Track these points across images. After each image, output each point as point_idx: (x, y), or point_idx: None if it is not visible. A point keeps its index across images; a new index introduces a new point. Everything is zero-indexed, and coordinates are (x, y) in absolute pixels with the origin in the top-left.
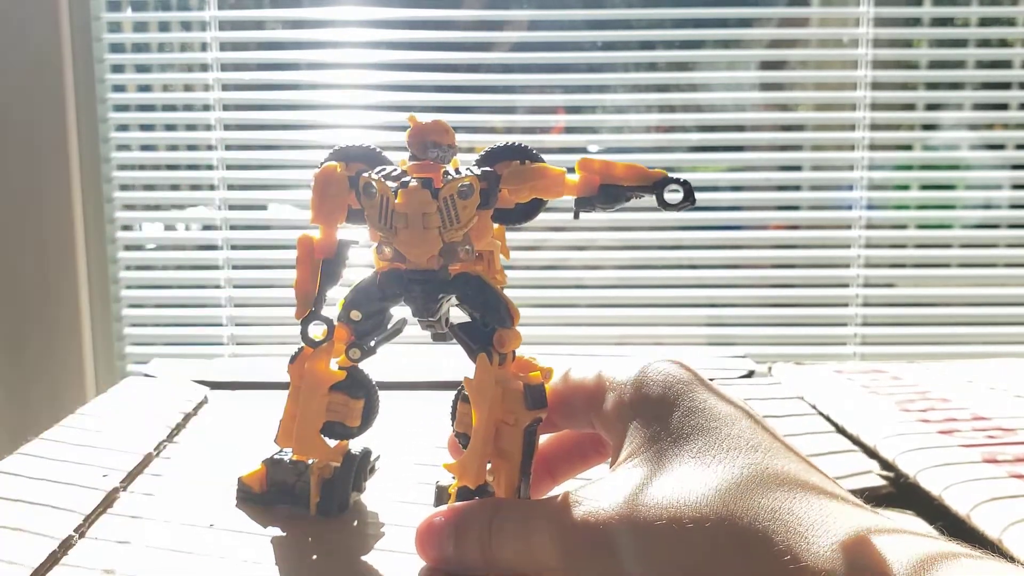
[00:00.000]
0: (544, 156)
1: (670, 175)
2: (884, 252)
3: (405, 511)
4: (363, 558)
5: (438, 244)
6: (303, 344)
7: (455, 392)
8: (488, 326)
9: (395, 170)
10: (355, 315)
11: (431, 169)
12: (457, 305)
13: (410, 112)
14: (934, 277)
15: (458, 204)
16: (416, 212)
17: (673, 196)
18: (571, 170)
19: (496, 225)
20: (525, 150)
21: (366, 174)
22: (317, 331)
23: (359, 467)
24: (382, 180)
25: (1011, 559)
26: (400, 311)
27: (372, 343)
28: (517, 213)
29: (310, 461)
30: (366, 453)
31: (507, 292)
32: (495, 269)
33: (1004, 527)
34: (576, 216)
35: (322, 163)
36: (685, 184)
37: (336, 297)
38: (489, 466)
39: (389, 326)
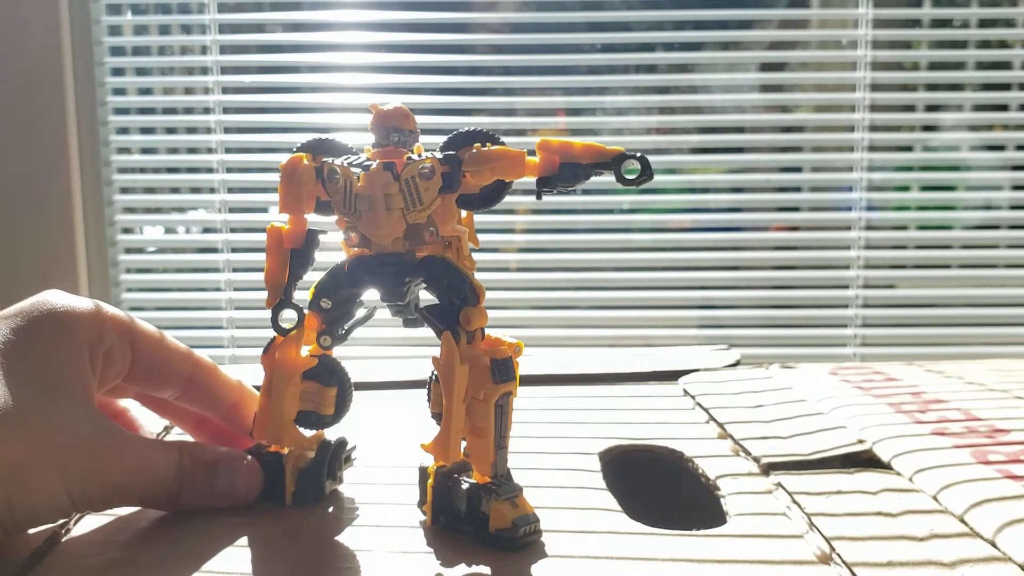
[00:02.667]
0: None
1: (627, 151)
2: (884, 253)
3: (381, 497)
4: (336, 538)
5: (402, 226)
6: (275, 334)
7: (430, 377)
8: (454, 305)
9: (359, 157)
10: (325, 303)
11: (394, 154)
12: (425, 288)
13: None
14: (934, 278)
15: (420, 186)
16: (378, 194)
17: (631, 171)
18: (532, 152)
19: (464, 213)
20: (486, 134)
21: (329, 160)
22: (288, 319)
23: (334, 456)
24: (345, 165)
25: (1005, 559)
26: (371, 298)
27: (343, 330)
28: (481, 197)
29: (285, 451)
30: (341, 442)
31: (512, 295)
32: (463, 255)
33: (998, 527)
34: (539, 197)
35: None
36: (642, 159)
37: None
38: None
39: (359, 313)
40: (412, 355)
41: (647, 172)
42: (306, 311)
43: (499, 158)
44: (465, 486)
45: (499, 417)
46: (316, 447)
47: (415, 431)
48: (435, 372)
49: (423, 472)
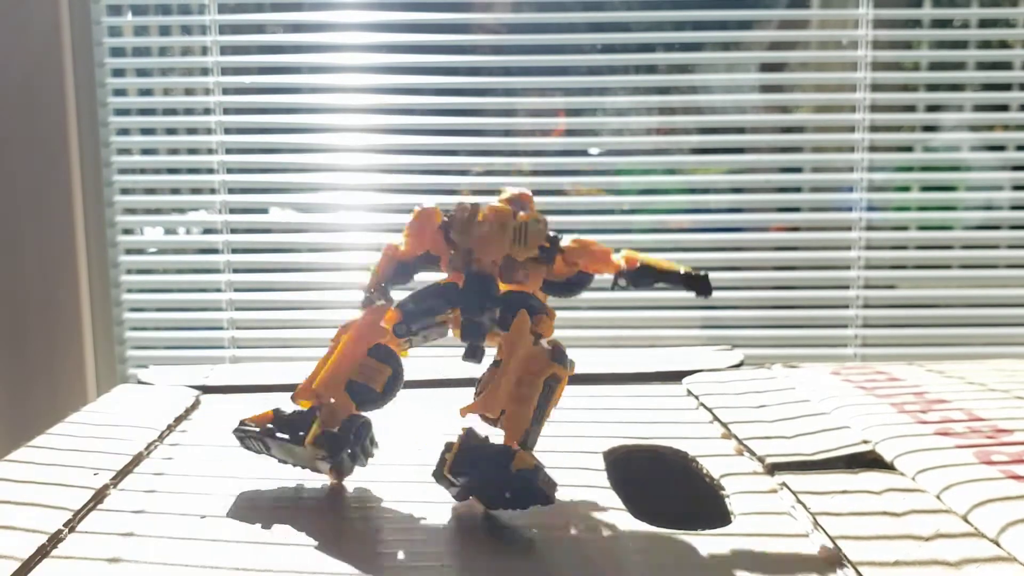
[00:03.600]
0: (545, 158)
1: (695, 272)
2: (885, 254)
3: (399, 492)
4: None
5: (504, 251)
6: (359, 312)
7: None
8: (532, 308)
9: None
10: (409, 304)
11: (516, 205)
12: (498, 323)
13: (410, 115)
14: (935, 278)
15: (530, 230)
16: (496, 221)
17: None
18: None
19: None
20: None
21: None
22: (378, 301)
23: (361, 428)
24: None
25: (1011, 559)
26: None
27: (416, 328)
28: (564, 285)
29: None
30: (367, 423)
31: None
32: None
33: (1001, 527)
34: (613, 287)
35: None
36: (705, 278)
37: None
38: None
39: (435, 325)
40: (430, 355)
41: (706, 291)
42: (393, 306)
43: (595, 249)
44: (490, 447)
45: (545, 393)
46: (348, 415)
47: (434, 428)
48: (493, 364)
49: (447, 446)
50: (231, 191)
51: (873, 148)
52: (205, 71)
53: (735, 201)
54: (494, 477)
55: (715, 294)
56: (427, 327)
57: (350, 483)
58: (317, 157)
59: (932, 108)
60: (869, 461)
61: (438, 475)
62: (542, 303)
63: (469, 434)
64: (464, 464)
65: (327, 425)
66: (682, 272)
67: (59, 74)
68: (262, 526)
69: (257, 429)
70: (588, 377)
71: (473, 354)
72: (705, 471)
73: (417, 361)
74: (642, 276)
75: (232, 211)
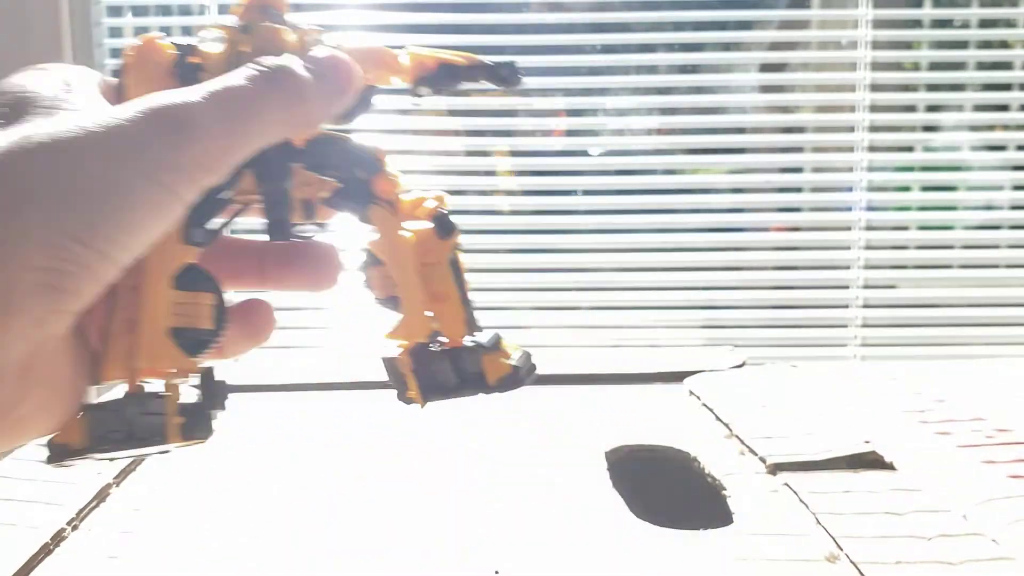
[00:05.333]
0: (545, 159)
1: (501, 61)
2: (884, 254)
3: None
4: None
5: None
6: None
7: (361, 264)
8: (365, 180)
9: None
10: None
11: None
12: (318, 173)
13: (411, 115)
14: (935, 278)
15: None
16: (270, 47)
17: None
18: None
19: None
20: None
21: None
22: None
23: (214, 384)
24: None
25: (1012, 559)
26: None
27: (208, 225)
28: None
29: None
30: (211, 370)
31: (518, 296)
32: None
33: (1002, 527)
34: (416, 96)
35: None
36: (512, 63)
37: None
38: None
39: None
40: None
41: (516, 75)
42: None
43: (375, 49)
44: (446, 355)
45: (457, 274)
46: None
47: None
48: (367, 260)
49: (389, 363)
50: None
51: (872, 148)
52: None
53: (735, 201)
54: (479, 396)
55: (715, 294)
56: (221, 216)
57: (353, 485)
58: None
59: (932, 108)
60: (871, 461)
61: (403, 398)
62: (365, 148)
63: (414, 357)
64: (431, 391)
65: (186, 398)
66: (488, 63)
67: None
68: (264, 524)
69: (78, 447)
70: (589, 377)
71: (280, 230)
72: (707, 471)
73: None
74: (444, 78)
75: None
